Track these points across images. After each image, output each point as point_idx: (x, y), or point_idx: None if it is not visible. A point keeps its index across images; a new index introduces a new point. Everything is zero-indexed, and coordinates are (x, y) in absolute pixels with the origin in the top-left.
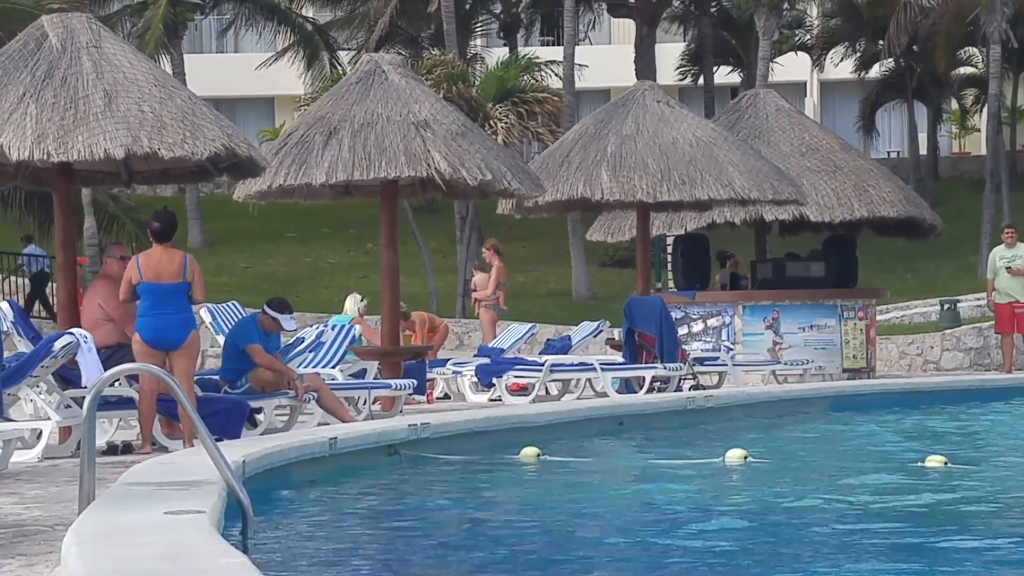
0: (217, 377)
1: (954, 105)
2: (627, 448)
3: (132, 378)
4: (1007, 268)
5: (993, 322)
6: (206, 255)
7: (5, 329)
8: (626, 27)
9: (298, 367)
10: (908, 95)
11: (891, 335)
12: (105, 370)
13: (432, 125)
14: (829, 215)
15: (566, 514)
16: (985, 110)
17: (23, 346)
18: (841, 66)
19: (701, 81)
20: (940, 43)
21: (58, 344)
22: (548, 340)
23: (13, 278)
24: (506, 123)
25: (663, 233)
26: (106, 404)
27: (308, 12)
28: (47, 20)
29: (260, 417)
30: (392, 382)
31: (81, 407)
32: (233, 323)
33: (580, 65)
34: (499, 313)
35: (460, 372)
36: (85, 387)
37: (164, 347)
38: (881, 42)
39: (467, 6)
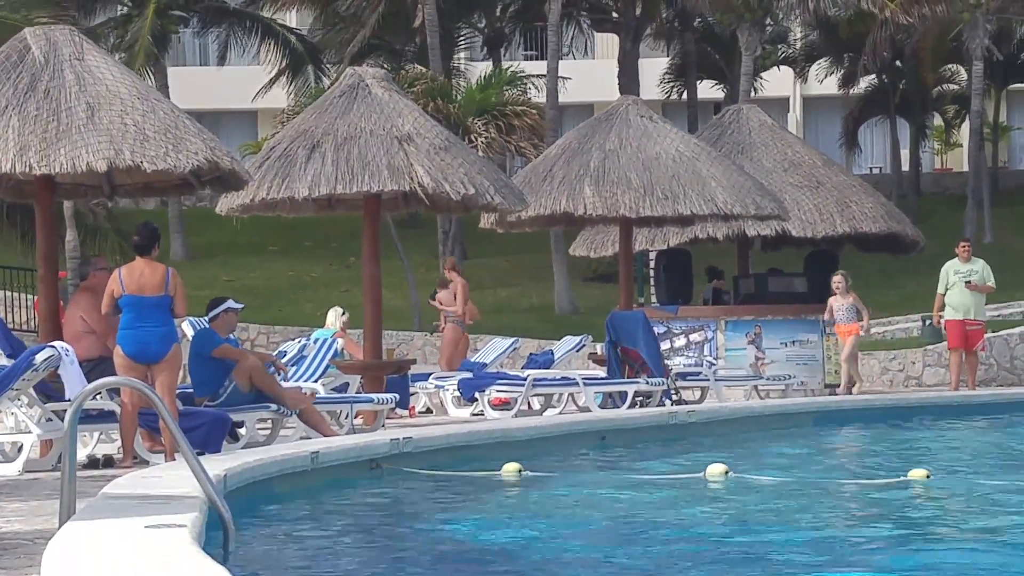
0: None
1: (937, 121)
2: (609, 463)
3: (113, 391)
4: (966, 283)
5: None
6: (188, 268)
7: None
8: (610, 42)
9: (280, 380)
10: (891, 111)
11: (873, 351)
12: (87, 383)
13: (415, 139)
14: (811, 231)
15: (547, 529)
16: (967, 126)
17: (3, 360)
18: (824, 82)
19: (684, 96)
20: (927, 59)
21: (39, 357)
22: (531, 355)
23: (9, 293)
24: (486, 138)
25: (646, 248)
26: (87, 417)
27: (292, 21)
28: (30, 32)
29: (242, 431)
30: (374, 396)
31: (62, 420)
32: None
33: (563, 77)
34: (464, 329)
35: (443, 386)
36: (68, 400)
37: (146, 360)
38: (864, 58)
39: (451, 21)
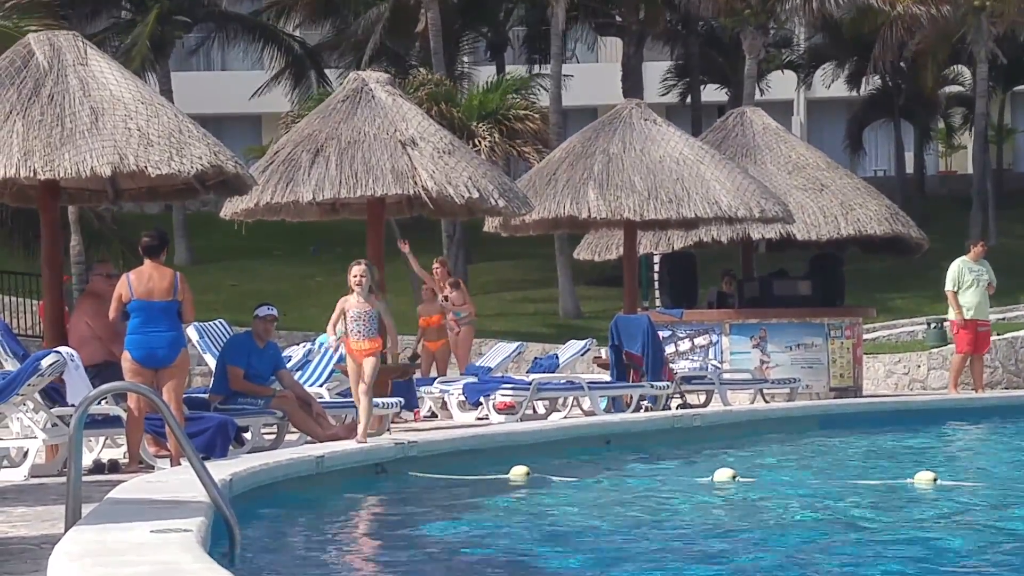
0: (207, 395)
1: (941, 124)
2: (614, 466)
3: (119, 397)
4: (988, 284)
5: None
6: (193, 273)
7: None
8: (613, 45)
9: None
10: (895, 114)
11: (878, 354)
12: (92, 389)
13: (419, 143)
14: (816, 233)
15: (552, 534)
16: (972, 129)
17: (10, 364)
18: (828, 85)
19: (688, 99)
20: (927, 62)
21: (45, 362)
22: (535, 359)
23: (14, 298)
24: (489, 141)
25: (650, 252)
26: (93, 422)
27: (293, 28)
28: (34, 38)
29: (247, 435)
30: (379, 400)
31: (68, 425)
32: (220, 341)
33: (566, 75)
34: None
35: (447, 391)
36: (72, 405)
37: (154, 365)
38: (871, 59)
39: (455, 25)
